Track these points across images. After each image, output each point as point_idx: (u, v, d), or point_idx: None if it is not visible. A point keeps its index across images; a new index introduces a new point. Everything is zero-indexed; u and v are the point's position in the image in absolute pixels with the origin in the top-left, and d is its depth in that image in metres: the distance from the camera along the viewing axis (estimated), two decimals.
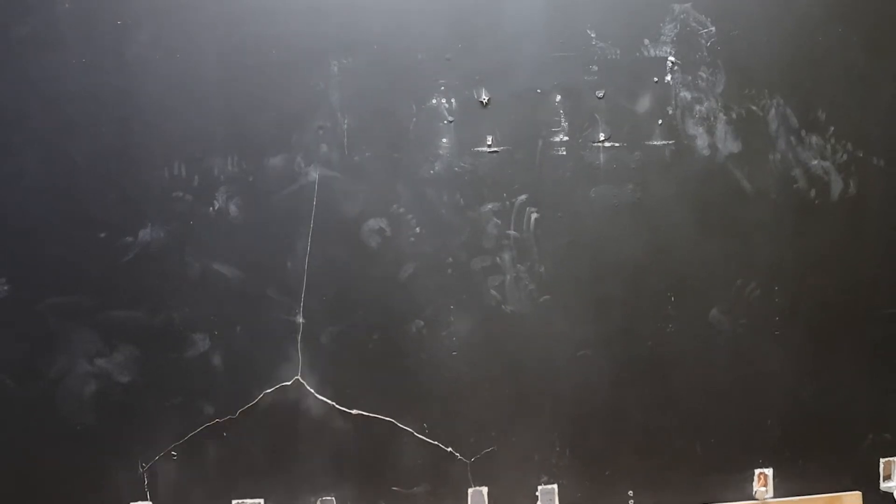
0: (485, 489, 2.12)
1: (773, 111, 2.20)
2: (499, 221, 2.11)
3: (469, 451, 2.12)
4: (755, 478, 2.25)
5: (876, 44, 2.23)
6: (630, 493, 2.20)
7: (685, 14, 2.14)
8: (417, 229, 2.08)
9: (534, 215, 2.12)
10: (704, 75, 2.16)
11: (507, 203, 2.11)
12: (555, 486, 2.16)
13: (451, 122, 2.08)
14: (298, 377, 2.04)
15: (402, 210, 2.07)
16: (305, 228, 2.03)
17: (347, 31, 2.02)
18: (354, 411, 2.06)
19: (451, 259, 2.09)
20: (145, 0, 1.95)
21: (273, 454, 2.05)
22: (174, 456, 2.01)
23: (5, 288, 1.94)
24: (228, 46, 1.99)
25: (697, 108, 2.17)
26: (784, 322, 2.24)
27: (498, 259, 2.11)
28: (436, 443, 2.10)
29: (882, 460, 2.32)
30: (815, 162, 2.23)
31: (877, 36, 2.23)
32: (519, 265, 2.12)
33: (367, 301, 2.06)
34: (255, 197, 2.01)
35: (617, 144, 2.14)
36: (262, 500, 2.05)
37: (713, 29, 2.16)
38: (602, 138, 2.13)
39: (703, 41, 2.16)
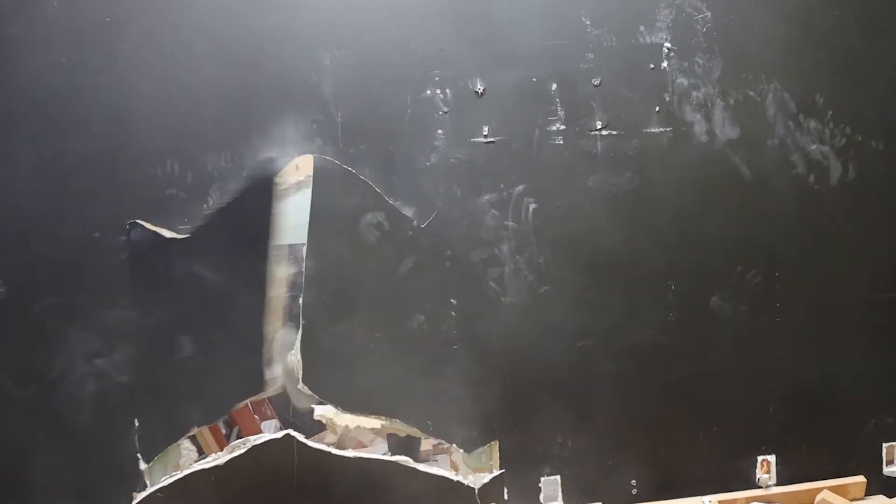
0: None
1: (770, 96, 2.19)
2: (496, 212, 2.09)
3: (472, 445, 2.11)
4: (758, 465, 2.25)
5: (872, 26, 2.22)
6: (633, 482, 2.19)
7: (680, 0, 2.13)
8: (415, 222, 2.06)
9: (532, 205, 2.10)
10: (701, 61, 2.15)
11: (505, 194, 2.09)
12: (558, 478, 2.15)
13: (446, 112, 2.06)
14: (300, 379, 2.03)
15: (399, 203, 2.05)
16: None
17: (339, 24, 2.00)
18: (356, 413, 2.05)
19: (449, 252, 2.08)
20: None
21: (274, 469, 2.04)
22: (162, 492, 1.99)
23: (1, 290, 1.92)
24: (219, 41, 1.97)
25: (694, 94, 2.15)
26: (785, 308, 2.23)
27: (496, 250, 2.10)
28: (439, 440, 2.09)
29: (885, 445, 2.32)
30: (814, 146, 2.22)
31: (873, 18, 2.22)
32: (518, 256, 2.10)
33: (367, 297, 2.05)
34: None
35: (614, 132, 2.12)
36: None
37: (709, 14, 2.14)
38: (599, 126, 2.12)
39: (699, 27, 2.14)
